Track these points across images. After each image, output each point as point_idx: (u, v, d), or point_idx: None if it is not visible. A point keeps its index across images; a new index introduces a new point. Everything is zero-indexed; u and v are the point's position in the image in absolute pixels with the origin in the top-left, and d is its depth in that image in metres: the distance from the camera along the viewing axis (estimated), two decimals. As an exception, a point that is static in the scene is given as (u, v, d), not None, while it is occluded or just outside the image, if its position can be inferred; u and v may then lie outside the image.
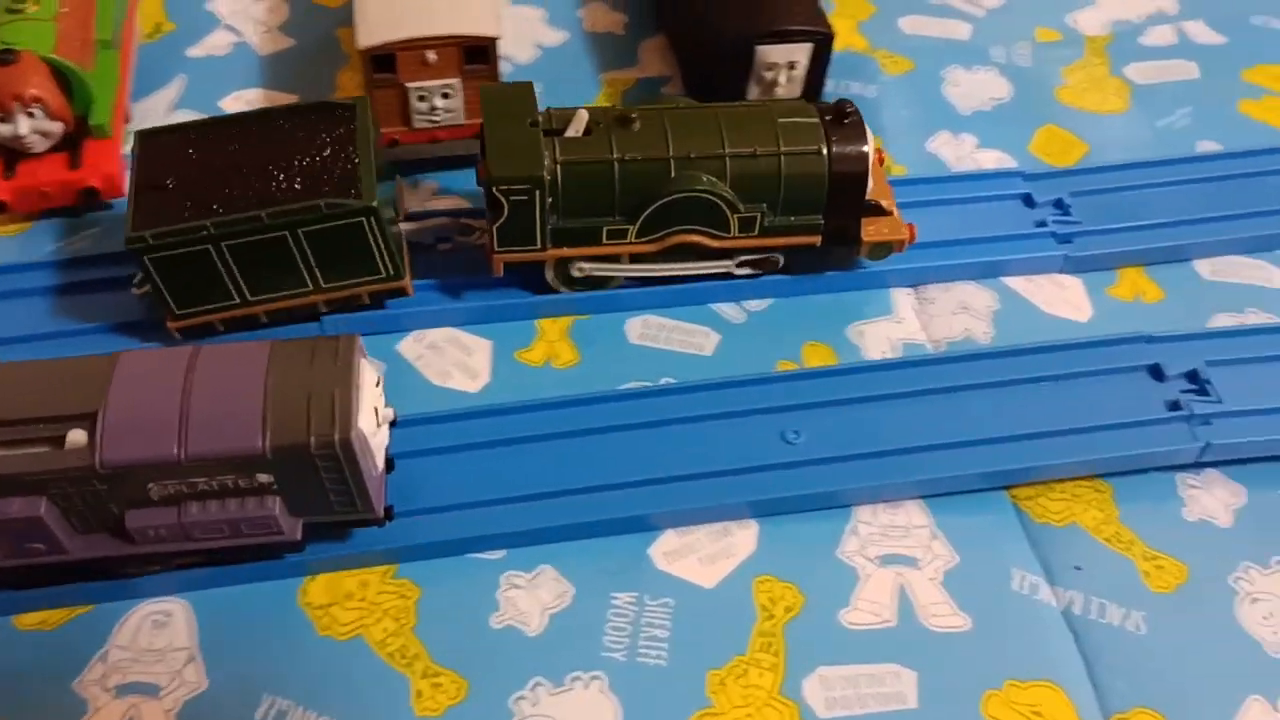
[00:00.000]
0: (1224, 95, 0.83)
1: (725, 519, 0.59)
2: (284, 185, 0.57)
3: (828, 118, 0.60)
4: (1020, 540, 0.59)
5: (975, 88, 0.83)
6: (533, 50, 0.82)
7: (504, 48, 0.73)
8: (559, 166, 0.58)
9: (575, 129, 0.59)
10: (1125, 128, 0.81)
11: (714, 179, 0.59)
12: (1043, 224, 0.72)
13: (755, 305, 0.67)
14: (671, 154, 0.59)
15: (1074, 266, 0.71)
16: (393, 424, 0.54)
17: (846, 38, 0.86)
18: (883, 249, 0.64)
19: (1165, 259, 0.72)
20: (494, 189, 0.57)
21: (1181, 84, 0.84)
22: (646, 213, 0.59)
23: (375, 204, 0.57)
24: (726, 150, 0.59)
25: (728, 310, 0.67)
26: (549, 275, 0.63)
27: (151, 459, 0.48)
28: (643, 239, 0.60)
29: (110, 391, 0.48)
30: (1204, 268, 0.72)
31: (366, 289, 0.62)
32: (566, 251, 0.61)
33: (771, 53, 0.69)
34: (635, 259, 0.62)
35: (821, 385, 0.62)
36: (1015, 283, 0.71)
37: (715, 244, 0.62)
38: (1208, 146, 0.79)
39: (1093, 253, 0.71)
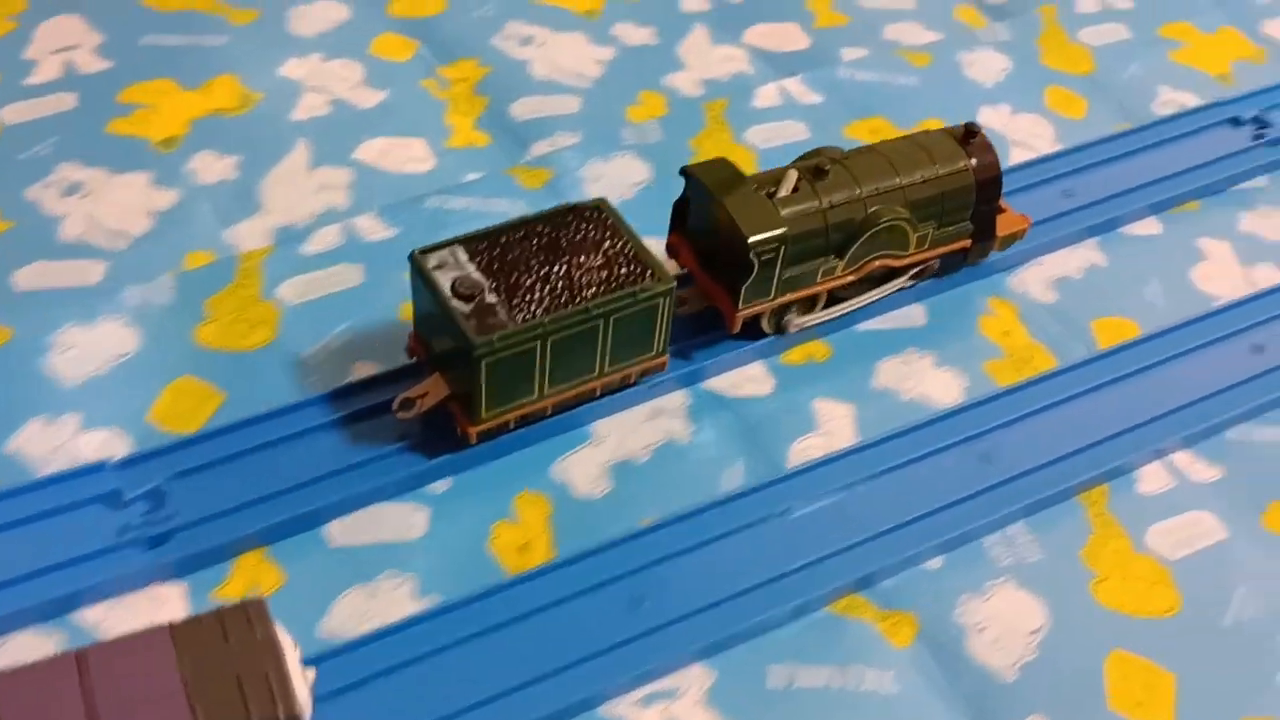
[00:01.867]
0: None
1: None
2: (583, 279, 0.60)
3: (960, 139, 0.70)
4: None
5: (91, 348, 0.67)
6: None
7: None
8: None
9: (787, 188, 0.65)
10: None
11: (897, 206, 0.67)
12: (129, 528, 0.57)
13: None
14: (863, 194, 0.66)
15: (173, 571, 0.57)
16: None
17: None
18: (1011, 238, 0.74)
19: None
20: (750, 252, 0.63)
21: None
22: (855, 246, 0.67)
23: (674, 284, 0.61)
24: (902, 181, 0.67)
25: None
26: (766, 324, 0.69)
27: None
28: (848, 270, 0.68)
29: None
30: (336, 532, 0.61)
31: (637, 368, 0.64)
32: (789, 297, 0.67)
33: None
34: (829, 303, 0.70)
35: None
36: (93, 615, 0.56)
37: (900, 263, 0.70)
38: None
39: (197, 550, 0.57)
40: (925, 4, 0.98)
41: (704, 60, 0.90)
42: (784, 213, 0.64)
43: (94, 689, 0.43)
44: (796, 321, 0.69)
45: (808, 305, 0.69)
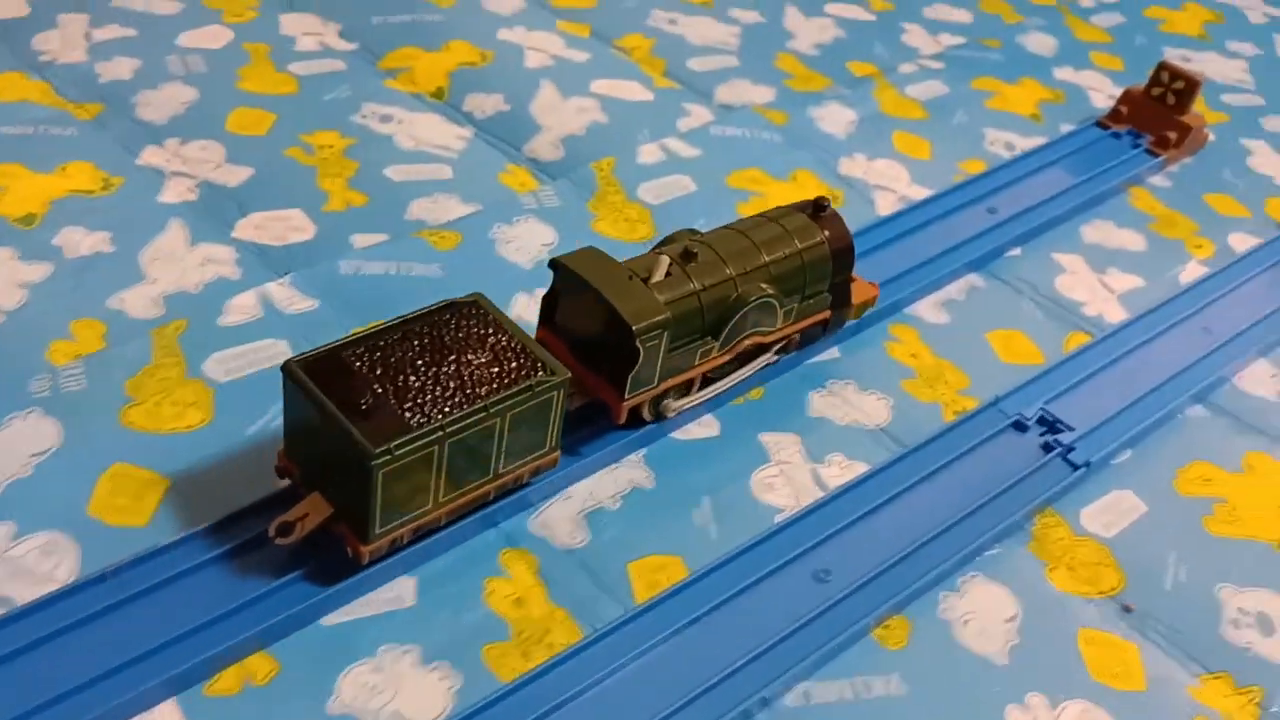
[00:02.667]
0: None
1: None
2: (474, 376, 0.57)
3: (810, 213, 0.72)
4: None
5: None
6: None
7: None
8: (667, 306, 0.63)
9: (660, 273, 0.64)
10: None
11: (763, 283, 0.67)
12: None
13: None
14: (733, 273, 0.66)
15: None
16: None
17: None
18: (864, 306, 0.76)
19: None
20: (636, 339, 0.61)
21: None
22: (728, 326, 0.66)
23: (569, 376, 0.59)
24: (766, 258, 0.68)
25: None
26: (647, 412, 0.67)
27: None
28: (723, 351, 0.68)
29: None
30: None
31: (529, 467, 0.61)
32: (671, 382, 0.66)
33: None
34: (704, 384, 0.69)
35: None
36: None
37: (768, 339, 0.70)
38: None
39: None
40: (462, 177, 0.86)
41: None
42: (661, 298, 0.63)
43: None
44: (675, 406, 0.68)
45: (684, 389, 0.68)
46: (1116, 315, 0.84)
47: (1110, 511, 0.70)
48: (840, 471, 0.69)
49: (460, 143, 0.89)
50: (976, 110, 1.05)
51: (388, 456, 0.52)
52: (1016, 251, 0.89)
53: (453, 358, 0.57)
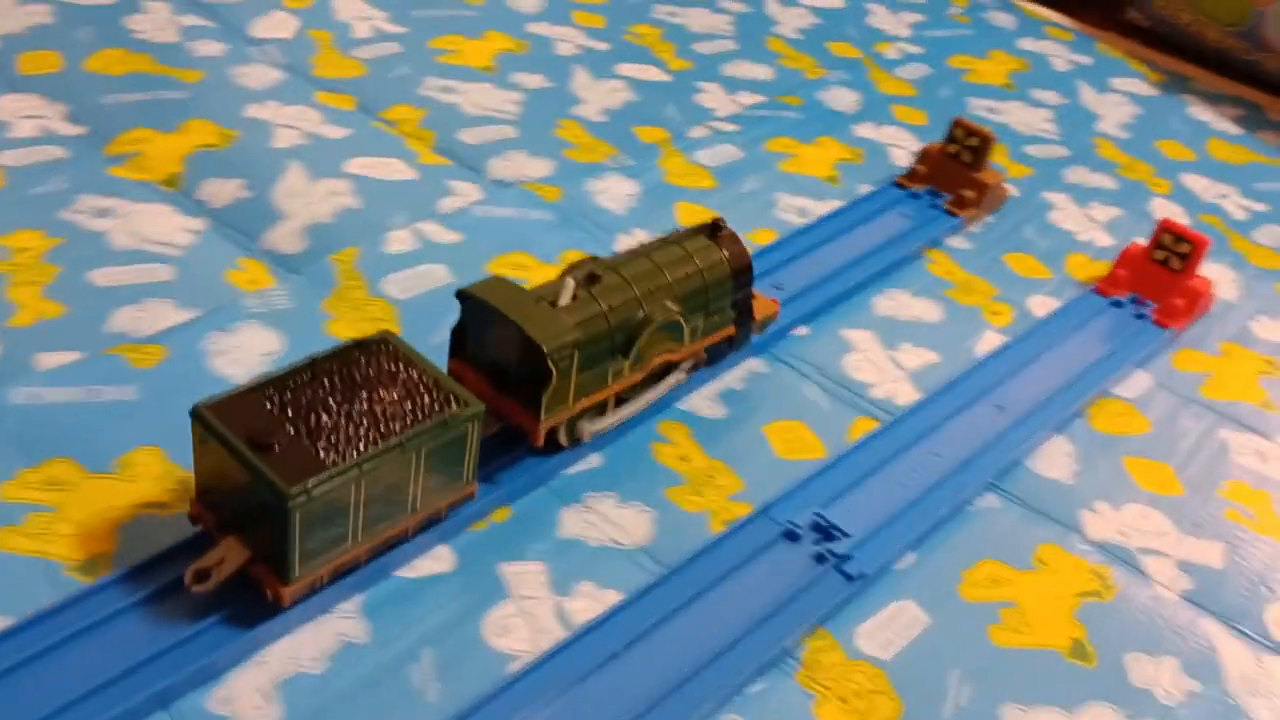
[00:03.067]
0: None
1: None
2: (388, 412, 0.57)
3: (708, 234, 0.74)
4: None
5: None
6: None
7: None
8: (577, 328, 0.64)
9: (566, 297, 0.65)
10: None
11: (668, 302, 0.69)
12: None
13: None
14: (638, 293, 0.68)
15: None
16: None
17: None
18: (766, 322, 0.78)
19: None
20: (548, 360, 0.62)
21: None
22: (638, 344, 0.67)
23: (483, 408, 0.59)
24: (669, 277, 0.70)
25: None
26: (563, 436, 0.67)
27: None
28: (635, 370, 0.69)
29: None
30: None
31: (448, 501, 0.61)
32: (585, 402, 0.67)
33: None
34: (618, 403, 0.70)
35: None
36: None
37: (677, 356, 0.71)
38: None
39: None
40: (183, 278, 0.77)
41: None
42: (570, 320, 0.64)
43: None
44: (590, 429, 0.68)
45: (598, 411, 0.69)
46: (907, 396, 0.79)
47: (889, 627, 0.63)
48: (588, 605, 0.62)
49: (188, 237, 0.80)
50: (770, 175, 0.99)
51: (304, 496, 0.52)
52: (803, 330, 0.83)
53: (365, 395, 0.58)
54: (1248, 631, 0.67)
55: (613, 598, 0.62)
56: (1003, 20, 1.37)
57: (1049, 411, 0.78)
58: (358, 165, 0.90)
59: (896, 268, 0.90)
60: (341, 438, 0.55)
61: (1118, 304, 0.89)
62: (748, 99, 1.11)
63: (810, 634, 0.62)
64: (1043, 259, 0.96)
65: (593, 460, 0.70)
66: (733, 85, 1.12)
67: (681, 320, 0.70)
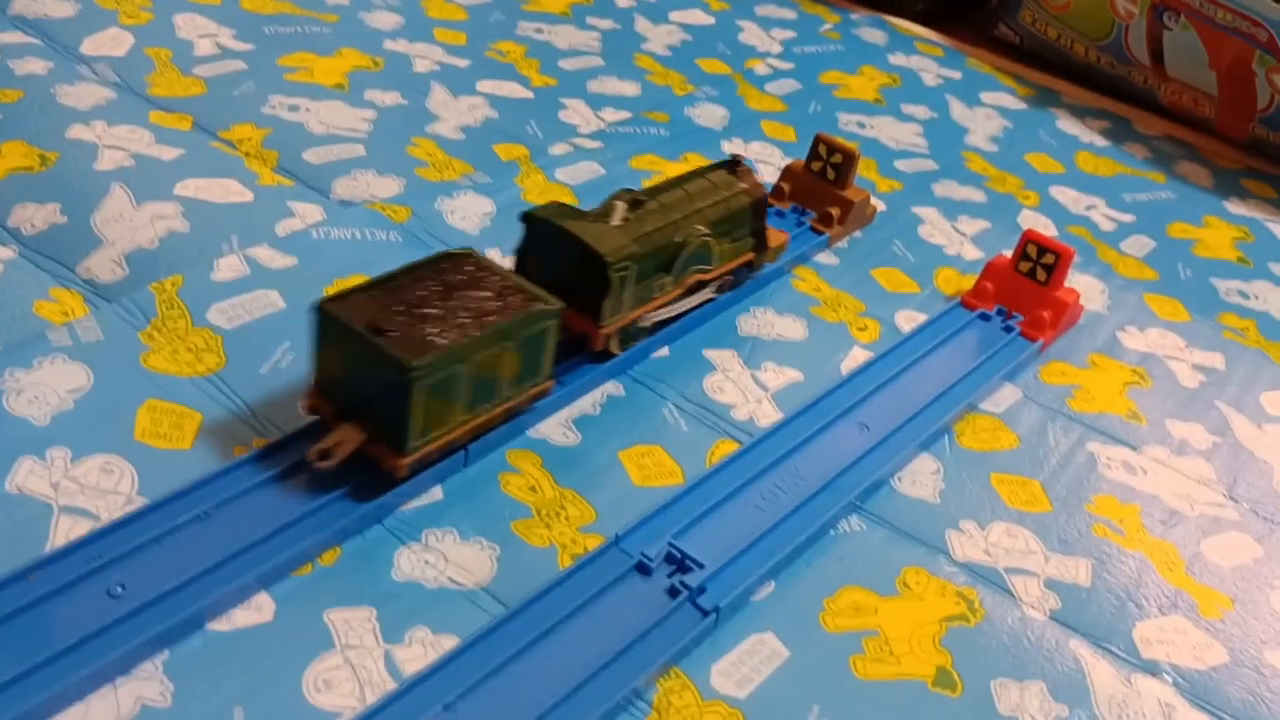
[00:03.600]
0: None
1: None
2: (484, 308, 0.64)
3: (728, 170, 0.82)
4: None
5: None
6: None
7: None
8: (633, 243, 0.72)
9: (618, 217, 0.73)
10: None
11: (701, 227, 0.77)
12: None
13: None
14: (677, 218, 0.76)
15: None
16: None
17: None
18: (779, 250, 0.87)
19: None
20: (610, 270, 0.70)
21: None
22: (678, 261, 0.76)
23: (563, 306, 0.66)
24: (700, 205, 0.78)
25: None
26: (615, 345, 0.75)
27: None
28: (675, 286, 0.77)
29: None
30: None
31: (529, 393, 0.68)
32: (638, 312, 0.75)
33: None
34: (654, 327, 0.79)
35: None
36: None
37: (708, 275, 0.80)
38: None
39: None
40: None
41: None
42: (626, 236, 0.72)
43: None
44: (639, 334, 0.77)
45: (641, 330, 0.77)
46: (769, 417, 0.76)
47: (746, 663, 0.60)
48: (421, 652, 0.57)
49: (-6, 266, 0.74)
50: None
51: (423, 370, 0.59)
52: (664, 351, 0.80)
53: (461, 295, 0.64)
54: (1116, 650, 0.65)
55: (449, 643, 0.57)
56: (874, 36, 1.37)
57: (915, 429, 0.76)
58: (190, 187, 0.85)
59: (762, 284, 0.88)
60: (447, 327, 0.62)
61: (985, 317, 0.87)
62: (613, 116, 1.08)
63: (663, 674, 0.58)
64: (911, 273, 0.94)
65: (435, 494, 0.65)
66: (598, 102, 1.09)
67: (713, 242, 0.78)
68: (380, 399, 0.60)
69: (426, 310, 0.63)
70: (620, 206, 0.74)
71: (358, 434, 0.62)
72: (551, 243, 0.72)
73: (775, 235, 0.86)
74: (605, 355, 0.75)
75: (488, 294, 0.65)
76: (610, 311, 0.72)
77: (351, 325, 0.61)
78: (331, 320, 0.61)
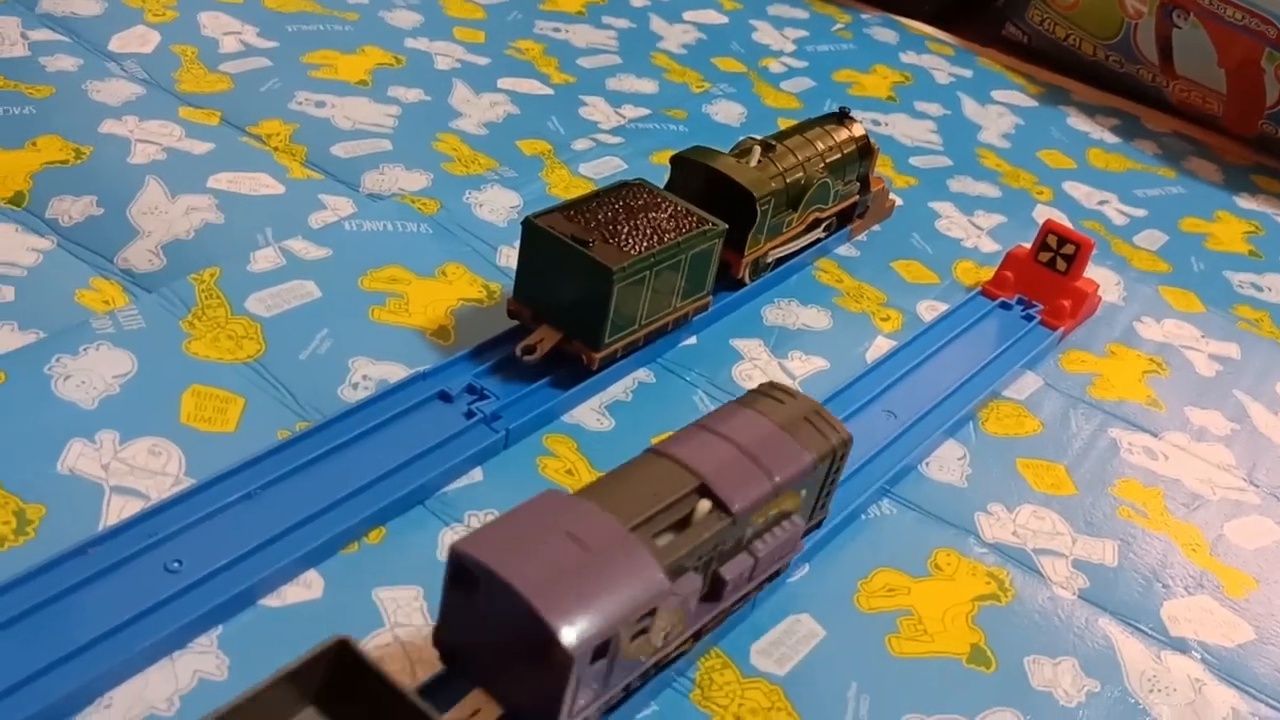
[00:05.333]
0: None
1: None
2: (663, 226, 0.72)
3: (837, 121, 0.90)
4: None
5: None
6: None
7: None
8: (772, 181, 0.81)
9: (755, 159, 0.82)
10: None
11: (820, 169, 0.85)
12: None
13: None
14: (801, 160, 0.84)
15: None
16: None
17: None
18: (882, 194, 0.97)
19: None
20: (757, 204, 0.79)
21: None
22: (804, 199, 0.84)
23: (727, 228, 0.75)
24: (820, 148, 0.86)
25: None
26: (748, 275, 0.83)
27: (761, 495, 0.53)
28: (799, 222, 0.86)
29: (695, 463, 0.53)
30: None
31: (694, 306, 0.77)
32: (773, 243, 0.84)
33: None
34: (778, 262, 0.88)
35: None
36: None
37: (824, 214, 0.88)
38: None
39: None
40: (28, 299, 0.71)
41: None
42: (766, 174, 0.80)
43: (728, 439, 0.55)
44: (767, 262, 0.85)
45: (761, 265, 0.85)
46: (798, 404, 0.77)
47: (784, 643, 0.61)
48: (469, 628, 0.58)
49: (33, 256, 0.75)
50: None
51: (623, 273, 0.67)
52: (692, 340, 0.81)
53: (641, 215, 0.73)
54: (1145, 628, 0.66)
55: (494, 621, 0.58)
56: (885, 36, 1.38)
57: (941, 415, 0.77)
58: (222, 180, 0.86)
59: (785, 276, 0.89)
60: (635, 241, 0.70)
61: (1006, 306, 0.89)
62: (632, 112, 1.09)
63: (703, 654, 0.59)
64: (930, 265, 0.95)
65: (474, 475, 0.66)
66: (617, 99, 1.11)
67: (830, 183, 0.86)
68: (581, 300, 0.69)
69: (616, 227, 0.70)
70: (755, 149, 0.81)
71: (555, 334, 0.70)
72: (699, 180, 0.80)
73: (876, 182, 0.94)
74: (738, 284, 0.83)
75: (664, 216, 0.73)
76: (752, 242, 0.80)
77: (560, 235, 0.68)
78: (539, 232, 0.69)
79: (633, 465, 0.54)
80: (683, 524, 0.51)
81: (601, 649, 0.46)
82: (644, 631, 0.48)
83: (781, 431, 0.57)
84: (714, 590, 0.54)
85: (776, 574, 0.60)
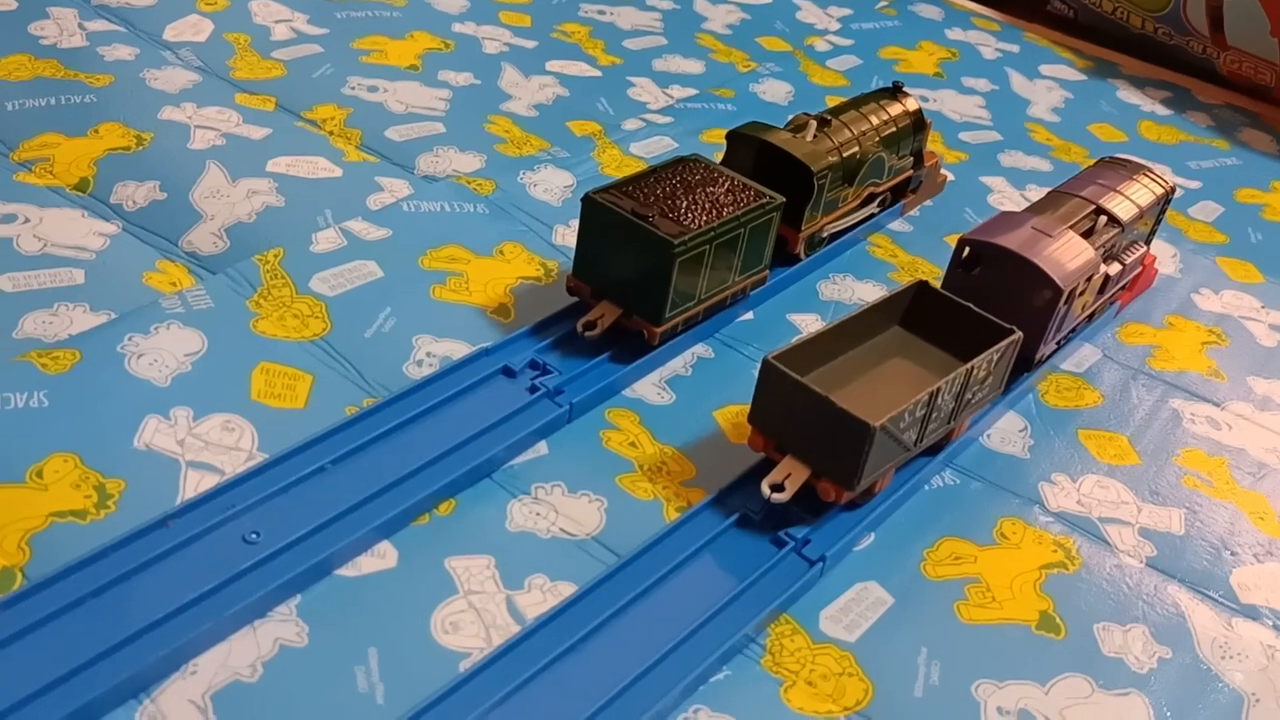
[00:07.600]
0: None
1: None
2: (721, 200, 0.72)
3: (890, 95, 0.90)
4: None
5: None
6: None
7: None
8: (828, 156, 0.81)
9: (809, 134, 0.82)
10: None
11: (875, 143, 0.85)
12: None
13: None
14: (856, 135, 0.84)
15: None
16: None
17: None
18: (935, 168, 0.97)
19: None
20: (814, 178, 0.79)
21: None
22: (859, 174, 0.84)
23: (785, 201, 0.75)
24: (875, 122, 0.86)
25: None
26: (803, 250, 0.83)
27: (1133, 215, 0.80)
28: (855, 197, 0.85)
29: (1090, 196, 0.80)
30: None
31: (752, 279, 0.77)
32: (829, 218, 0.84)
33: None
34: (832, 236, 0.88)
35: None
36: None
37: (879, 189, 0.88)
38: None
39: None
40: (97, 281, 0.72)
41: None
42: (823, 149, 0.81)
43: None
44: (822, 237, 0.85)
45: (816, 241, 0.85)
46: (857, 377, 0.77)
47: (853, 609, 0.61)
48: (542, 598, 0.59)
49: (101, 240, 0.76)
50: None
51: (682, 246, 0.68)
52: (749, 315, 0.81)
53: (699, 190, 0.73)
54: (1215, 596, 0.66)
55: (567, 589, 0.59)
56: (930, 12, 1.38)
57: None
58: (281, 164, 0.87)
59: (839, 251, 0.89)
60: (694, 215, 0.70)
61: (1062, 279, 0.88)
62: (680, 92, 1.09)
63: (773, 620, 0.60)
64: (984, 240, 0.94)
65: (540, 449, 0.67)
66: (664, 79, 1.11)
67: (884, 158, 0.86)
68: (641, 275, 0.69)
69: (675, 201, 0.71)
70: (813, 124, 0.82)
71: (615, 310, 0.71)
72: (755, 156, 0.80)
73: (930, 155, 0.94)
74: (793, 260, 0.83)
75: (721, 190, 0.73)
76: (809, 217, 0.81)
77: (621, 211, 0.69)
78: (600, 208, 0.69)
79: (1044, 201, 0.81)
80: (1088, 233, 0.76)
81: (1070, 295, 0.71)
82: (1083, 293, 0.75)
83: (1133, 180, 0.82)
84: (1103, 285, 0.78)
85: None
